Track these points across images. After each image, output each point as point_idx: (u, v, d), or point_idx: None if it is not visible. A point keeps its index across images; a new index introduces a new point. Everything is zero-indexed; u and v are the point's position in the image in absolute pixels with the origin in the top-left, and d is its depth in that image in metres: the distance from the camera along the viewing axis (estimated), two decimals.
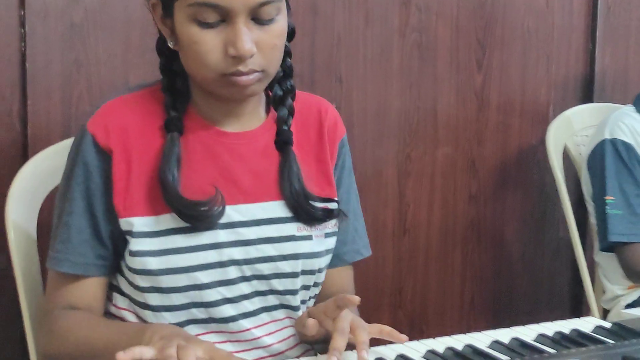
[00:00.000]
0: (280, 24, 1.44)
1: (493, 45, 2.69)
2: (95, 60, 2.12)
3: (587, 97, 2.87)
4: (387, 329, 1.37)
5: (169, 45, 1.48)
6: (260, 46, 1.41)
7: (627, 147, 2.35)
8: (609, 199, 2.33)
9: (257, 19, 1.41)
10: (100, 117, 1.48)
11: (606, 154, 2.36)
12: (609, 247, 2.37)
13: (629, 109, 2.46)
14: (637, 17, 2.88)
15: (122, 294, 1.54)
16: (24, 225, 1.71)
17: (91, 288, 1.51)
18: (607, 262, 2.45)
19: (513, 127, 2.76)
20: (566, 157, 2.60)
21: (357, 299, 1.35)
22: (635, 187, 2.34)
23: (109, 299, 1.56)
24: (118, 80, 2.14)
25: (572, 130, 2.61)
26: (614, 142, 2.36)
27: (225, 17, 1.40)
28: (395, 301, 2.63)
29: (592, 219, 2.47)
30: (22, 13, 2.03)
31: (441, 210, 2.67)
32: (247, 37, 1.39)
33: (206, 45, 1.40)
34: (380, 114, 2.54)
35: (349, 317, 1.38)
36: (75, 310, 1.50)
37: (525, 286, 2.84)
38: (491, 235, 2.78)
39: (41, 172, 1.75)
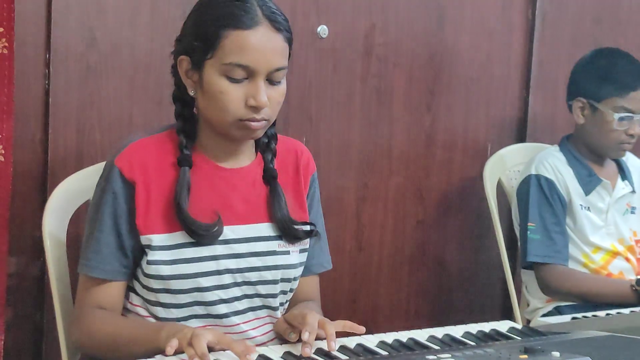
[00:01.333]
0: (284, 86, 1.85)
1: (441, 91, 3.04)
2: (106, 97, 2.45)
3: (520, 137, 3.22)
4: (349, 323, 1.77)
5: (190, 93, 1.87)
6: (270, 101, 1.81)
7: (549, 182, 2.75)
8: (530, 225, 2.73)
9: (270, 80, 1.81)
10: (126, 155, 1.86)
11: (531, 187, 2.75)
12: (529, 266, 2.77)
13: (554, 149, 2.86)
14: (564, 70, 3.24)
15: (137, 294, 1.91)
16: (57, 235, 2.08)
17: (115, 290, 1.89)
18: (530, 279, 2.83)
19: (456, 162, 3.11)
20: (500, 189, 2.99)
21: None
22: (553, 217, 2.73)
23: (125, 297, 1.94)
24: (124, 114, 2.49)
25: (506, 166, 2.99)
26: (538, 177, 2.77)
27: (249, 76, 1.79)
28: (350, 310, 2.95)
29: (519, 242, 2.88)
30: (48, 56, 2.36)
31: (392, 232, 3.01)
32: (264, 92, 1.79)
33: (231, 96, 1.80)
34: (343, 148, 2.87)
35: (317, 316, 1.77)
36: (102, 310, 1.87)
37: (463, 299, 3.18)
38: (434, 255, 3.12)
39: (72, 191, 2.13)
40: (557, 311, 2.73)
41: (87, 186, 2.09)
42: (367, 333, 1.77)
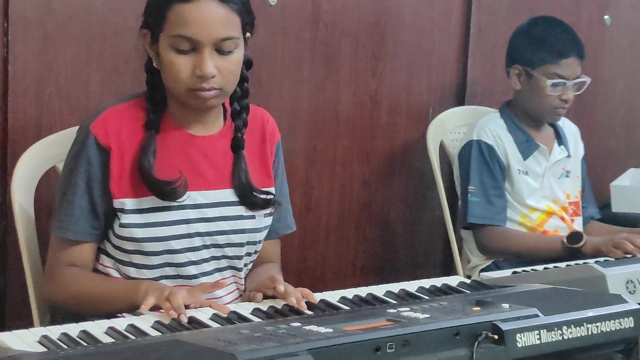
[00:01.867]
0: (237, 55, 1.93)
1: (385, 57, 3.16)
2: (63, 65, 2.51)
3: (459, 101, 3.36)
4: (306, 291, 1.86)
5: (154, 65, 1.95)
6: (220, 70, 1.90)
7: (489, 148, 2.90)
8: (470, 188, 2.87)
9: (219, 50, 1.90)
10: (101, 121, 1.94)
11: (472, 152, 2.89)
12: (469, 226, 2.92)
13: (495, 115, 2.99)
14: (502, 37, 3.37)
15: (108, 255, 2.01)
16: (25, 202, 2.16)
17: (86, 251, 1.98)
18: (470, 238, 2.98)
19: (399, 125, 3.24)
20: (441, 150, 3.14)
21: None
22: (493, 181, 2.88)
23: (96, 259, 2.03)
24: (82, 81, 2.55)
25: (447, 129, 3.14)
26: (479, 142, 2.90)
27: (195, 47, 1.88)
28: (300, 267, 3.07)
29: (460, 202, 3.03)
30: (6, 25, 2.41)
31: (340, 193, 3.13)
32: (210, 62, 1.88)
33: (179, 66, 1.89)
34: (293, 113, 2.97)
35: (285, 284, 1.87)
36: (76, 267, 1.97)
37: (407, 256, 3.33)
38: (380, 214, 3.25)
39: (36, 159, 2.21)
40: (496, 266, 2.88)
41: (52, 154, 2.19)
42: (315, 292, 1.88)
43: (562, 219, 2.98)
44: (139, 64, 2.56)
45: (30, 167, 2.19)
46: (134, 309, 1.85)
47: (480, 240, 2.90)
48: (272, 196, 2.08)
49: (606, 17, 3.76)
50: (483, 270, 2.88)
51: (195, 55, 1.90)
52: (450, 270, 3.38)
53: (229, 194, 2.03)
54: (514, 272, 2.44)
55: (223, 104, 2.06)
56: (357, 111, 3.14)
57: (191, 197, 1.97)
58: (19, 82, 2.46)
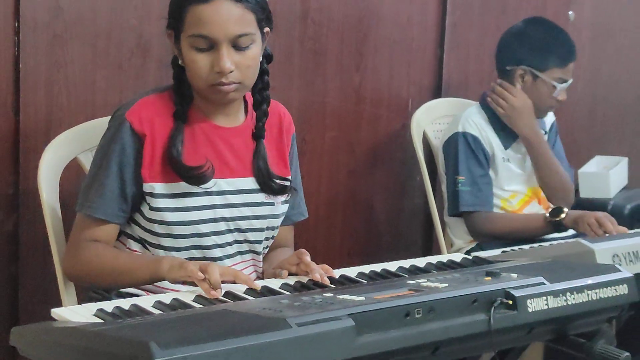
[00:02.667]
0: (253, 50, 2.06)
1: (368, 52, 3.30)
2: (71, 63, 2.61)
3: (437, 93, 3.51)
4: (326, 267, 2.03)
5: (179, 62, 2.08)
6: (238, 65, 2.03)
7: (475, 138, 3.05)
8: (460, 178, 3.03)
9: (236, 46, 2.03)
10: (136, 110, 2.06)
11: (459, 143, 3.04)
12: (457, 214, 3.07)
13: (476, 107, 3.15)
14: (475, 35, 3.55)
15: (135, 239, 2.13)
16: (51, 190, 2.27)
17: (111, 231, 2.10)
18: (454, 223, 3.15)
19: (382, 117, 3.38)
20: (424, 140, 3.28)
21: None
22: (481, 169, 3.04)
23: (123, 243, 2.15)
24: (88, 78, 2.65)
25: (429, 120, 3.30)
26: (465, 134, 3.06)
27: (213, 45, 2.01)
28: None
29: (444, 189, 3.18)
30: (17, 24, 2.51)
31: (327, 182, 3.26)
32: (227, 58, 2.01)
33: (199, 64, 2.02)
34: (283, 106, 3.13)
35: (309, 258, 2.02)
36: (97, 242, 2.08)
37: (390, 242, 3.47)
38: (364, 202, 3.39)
39: (60, 151, 2.33)
40: (480, 248, 3.05)
41: (74, 146, 2.33)
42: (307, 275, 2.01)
43: (539, 201, 3.16)
44: (142, 61, 2.73)
45: (54, 158, 2.30)
46: (155, 282, 1.99)
47: (472, 226, 3.05)
48: (288, 182, 2.22)
49: (570, 12, 3.95)
50: (468, 252, 3.05)
51: (214, 53, 2.02)
52: (430, 253, 3.54)
53: (250, 182, 2.16)
54: (504, 252, 2.61)
55: (244, 98, 2.18)
56: (343, 104, 3.28)
57: (217, 184, 2.10)
58: (30, 80, 2.56)
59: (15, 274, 2.63)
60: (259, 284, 1.88)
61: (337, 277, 2.00)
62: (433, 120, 3.31)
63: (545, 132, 3.23)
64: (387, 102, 3.41)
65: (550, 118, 3.31)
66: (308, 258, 1.99)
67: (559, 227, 2.93)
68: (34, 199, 2.52)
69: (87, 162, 2.35)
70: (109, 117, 2.34)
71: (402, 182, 3.50)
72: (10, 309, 2.63)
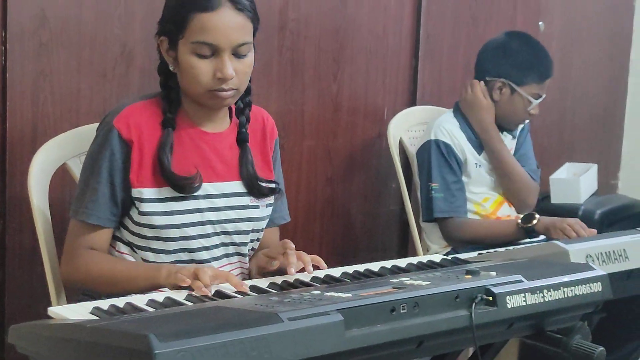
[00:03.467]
0: (250, 58, 2.14)
1: (344, 61, 3.37)
2: (57, 71, 2.66)
3: (411, 101, 3.59)
4: (317, 258, 2.11)
5: (170, 68, 2.14)
6: (236, 72, 2.10)
7: (447, 146, 3.12)
8: (434, 185, 3.10)
9: (236, 54, 2.10)
10: (124, 117, 2.12)
11: (432, 151, 3.11)
12: (432, 219, 3.14)
13: (449, 115, 3.22)
14: (448, 44, 3.62)
15: (124, 242, 2.18)
16: (40, 196, 2.31)
17: (105, 235, 2.15)
18: (430, 228, 3.22)
19: (358, 125, 3.45)
20: (400, 147, 3.35)
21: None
22: (453, 176, 3.11)
23: (112, 247, 2.20)
24: (73, 86, 2.69)
25: (404, 127, 3.37)
26: (437, 142, 3.13)
27: (215, 52, 2.08)
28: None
29: (420, 195, 3.24)
30: (4, 34, 2.55)
31: (306, 189, 3.32)
32: (230, 65, 2.08)
33: (200, 70, 2.08)
34: None
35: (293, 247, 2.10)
36: (96, 250, 2.14)
37: (367, 247, 3.53)
38: (342, 209, 3.46)
39: (49, 157, 2.38)
40: (455, 252, 3.12)
41: (62, 152, 2.39)
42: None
43: (510, 204, 3.25)
44: (125, 70, 2.78)
45: (44, 163, 2.35)
46: (153, 290, 2.03)
47: (446, 232, 3.13)
48: (276, 185, 2.29)
49: (540, 23, 4.06)
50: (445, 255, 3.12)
51: (215, 60, 2.09)
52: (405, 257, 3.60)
53: (236, 186, 2.23)
54: (480, 254, 2.68)
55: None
56: (320, 112, 3.35)
57: (203, 188, 2.16)
58: (16, 88, 2.60)
59: (2, 279, 2.66)
60: (246, 285, 1.94)
61: (322, 276, 2.06)
62: (409, 128, 3.39)
63: (514, 137, 3.31)
64: (364, 110, 3.48)
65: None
66: (292, 246, 2.07)
67: (531, 233, 3.00)
68: (21, 206, 2.58)
69: (75, 168, 2.41)
70: (95, 124, 2.40)
71: (378, 189, 3.57)
72: None
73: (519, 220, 3.03)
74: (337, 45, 3.36)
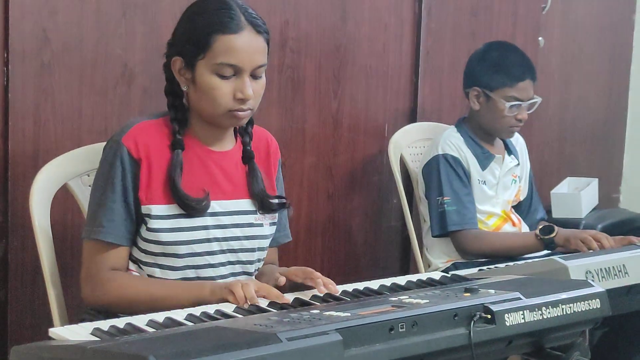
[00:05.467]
0: (264, 79, 2.18)
1: (345, 79, 3.39)
2: (58, 92, 2.67)
3: (412, 118, 3.61)
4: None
5: (183, 88, 2.16)
6: (253, 93, 2.14)
7: (455, 159, 3.13)
8: (446, 199, 3.09)
9: (253, 75, 2.14)
10: (132, 135, 2.14)
11: (440, 165, 3.12)
12: (442, 234, 3.13)
13: (452, 130, 3.23)
14: (448, 61, 3.64)
15: (131, 260, 2.20)
16: (42, 215, 2.33)
17: (124, 254, 2.17)
18: (432, 244, 3.22)
19: (359, 142, 3.47)
20: (401, 164, 3.37)
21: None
22: (464, 188, 3.12)
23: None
24: (74, 106, 2.71)
25: (405, 144, 3.39)
26: (445, 156, 3.14)
27: (236, 73, 2.11)
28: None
29: (424, 211, 3.24)
30: (6, 55, 2.57)
31: (307, 206, 3.34)
32: (250, 87, 2.10)
33: (221, 90, 2.11)
34: None
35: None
36: (120, 271, 2.14)
37: (368, 263, 3.54)
38: (343, 226, 3.47)
39: (51, 177, 2.39)
40: (455, 267, 3.13)
41: (63, 172, 2.40)
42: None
43: (512, 222, 3.26)
44: (127, 89, 2.80)
45: (46, 183, 2.37)
46: (196, 306, 2.03)
47: (462, 244, 3.11)
48: (284, 200, 2.31)
49: (540, 39, 4.08)
50: (444, 271, 3.12)
51: (236, 80, 2.12)
52: (407, 274, 3.59)
53: (241, 204, 2.26)
54: (480, 270, 2.69)
55: None
56: (321, 130, 3.37)
57: (210, 206, 2.19)
58: (18, 108, 2.62)
59: (5, 300, 2.67)
60: (289, 299, 1.99)
61: (322, 294, 2.08)
62: (409, 144, 3.40)
63: (518, 162, 3.31)
64: (364, 127, 3.49)
65: (518, 138, 3.39)
66: (317, 275, 2.11)
67: (550, 245, 2.98)
68: (23, 225, 2.60)
69: (76, 188, 2.43)
70: (98, 144, 2.42)
71: (379, 205, 3.58)
72: None
73: (538, 232, 3.01)
74: (338, 63, 3.38)
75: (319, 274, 2.13)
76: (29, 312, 2.69)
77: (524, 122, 3.19)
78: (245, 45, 2.10)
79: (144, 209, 2.14)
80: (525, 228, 3.32)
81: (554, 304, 1.97)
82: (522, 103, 3.14)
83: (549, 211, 3.77)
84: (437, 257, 3.23)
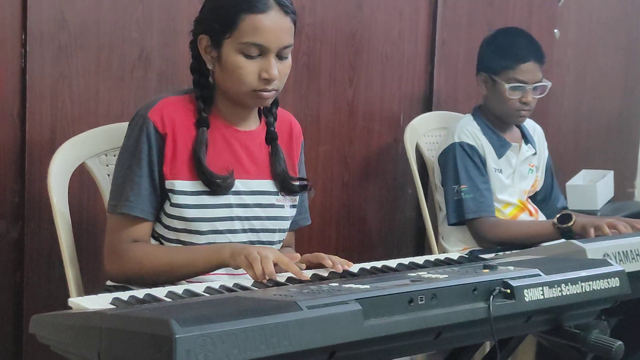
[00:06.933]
0: (290, 60, 2.18)
1: (360, 66, 3.39)
2: (75, 74, 2.68)
3: (427, 107, 3.61)
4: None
5: (208, 67, 2.16)
6: (279, 73, 2.14)
7: (471, 147, 3.12)
8: (462, 187, 3.07)
9: (279, 55, 2.13)
10: (158, 110, 2.15)
11: (457, 153, 3.11)
12: (459, 222, 3.11)
13: (469, 118, 3.22)
14: (464, 49, 3.64)
15: (153, 236, 2.20)
16: (60, 195, 2.33)
17: (147, 228, 2.17)
18: (448, 232, 3.21)
19: (374, 130, 3.46)
20: (417, 152, 3.36)
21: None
22: (481, 176, 3.11)
23: None
24: (91, 89, 2.71)
25: (421, 132, 3.38)
26: (461, 144, 3.12)
27: (262, 53, 2.10)
28: None
29: (440, 199, 3.23)
30: (24, 37, 2.57)
31: (322, 195, 3.33)
32: (275, 67, 2.10)
33: (247, 70, 2.11)
34: None
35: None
36: (141, 242, 2.14)
37: (383, 253, 3.52)
38: (357, 215, 3.46)
39: (68, 157, 2.40)
40: (472, 255, 3.11)
41: (80, 152, 2.41)
42: None
43: (529, 212, 3.24)
44: (143, 73, 2.81)
45: (64, 163, 2.37)
46: (216, 269, 2.07)
47: (479, 232, 3.09)
48: (307, 182, 2.31)
49: (555, 30, 4.07)
50: None
51: (262, 60, 2.12)
52: None
53: (264, 184, 2.26)
54: (497, 255, 2.68)
55: None
56: (336, 118, 3.36)
57: (234, 184, 2.19)
58: (36, 90, 2.62)
59: (20, 281, 2.68)
60: (307, 275, 1.99)
61: (340, 271, 2.08)
62: (425, 133, 3.39)
63: (535, 151, 3.30)
64: (380, 115, 3.49)
65: (535, 127, 3.38)
66: (329, 262, 2.10)
67: (568, 233, 2.95)
68: (39, 207, 2.60)
69: (94, 167, 2.43)
70: (117, 124, 2.43)
71: (394, 194, 3.57)
72: (15, 317, 2.68)
73: (556, 221, 2.98)
74: (353, 50, 3.38)
75: (332, 255, 2.11)
76: (45, 295, 2.69)
77: (532, 106, 3.15)
78: (272, 25, 2.10)
79: (168, 183, 2.14)
80: (542, 218, 3.30)
81: (574, 281, 1.96)
82: (525, 85, 3.12)
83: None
84: (453, 245, 3.22)
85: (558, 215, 3.00)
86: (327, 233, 3.39)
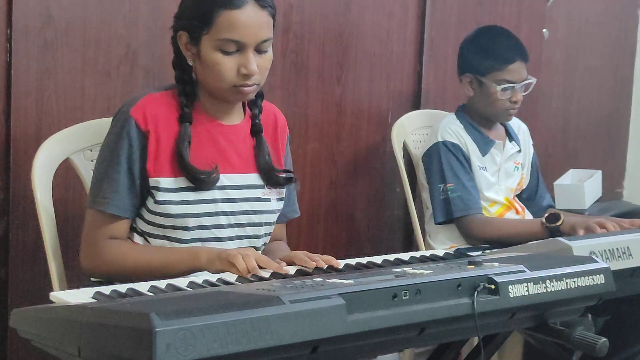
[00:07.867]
0: (270, 54, 2.16)
1: (349, 65, 3.38)
2: (61, 70, 2.66)
3: (415, 106, 3.60)
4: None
5: (189, 63, 2.15)
6: (258, 67, 2.12)
7: (455, 146, 3.13)
8: (449, 185, 3.08)
9: (258, 50, 2.12)
10: (140, 107, 2.14)
11: (441, 152, 3.11)
12: (446, 221, 3.11)
13: (452, 117, 3.23)
14: (452, 47, 3.63)
15: (138, 232, 2.19)
16: (44, 190, 2.32)
17: (124, 226, 2.16)
18: (435, 231, 3.21)
19: (362, 129, 3.46)
20: (404, 150, 3.36)
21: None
22: (467, 174, 3.11)
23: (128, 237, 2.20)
24: (77, 85, 2.70)
25: (408, 130, 3.37)
26: (445, 143, 3.13)
27: (240, 48, 2.09)
28: None
29: (426, 198, 3.22)
30: (9, 32, 2.56)
31: (310, 193, 3.32)
32: (254, 62, 2.09)
33: (225, 66, 2.10)
34: None
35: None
36: (122, 240, 2.13)
37: (371, 251, 3.50)
38: (346, 213, 3.46)
39: (52, 152, 2.39)
40: (458, 252, 3.10)
41: (65, 147, 2.39)
42: None
43: (516, 210, 3.24)
44: (130, 69, 2.79)
45: (48, 158, 2.36)
46: (193, 273, 2.04)
47: (468, 230, 3.09)
48: (292, 174, 2.30)
49: (544, 30, 4.07)
50: None
51: (240, 56, 2.11)
52: None
53: (250, 178, 2.25)
54: (483, 252, 2.68)
55: None
56: (324, 116, 3.35)
57: (219, 179, 2.18)
58: (21, 86, 2.61)
59: (5, 277, 2.66)
60: (291, 270, 1.99)
61: (324, 267, 2.07)
62: (413, 131, 3.39)
63: (519, 149, 3.30)
64: (368, 113, 3.48)
65: (520, 125, 3.38)
66: (313, 264, 2.08)
67: (556, 232, 2.94)
68: (24, 203, 2.59)
69: (79, 162, 2.42)
70: (101, 119, 2.42)
71: (382, 193, 3.57)
72: None
73: (544, 220, 2.98)
74: (341, 49, 3.37)
75: (317, 254, 2.10)
76: (30, 290, 2.67)
77: (520, 103, 3.16)
78: (248, 20, 2.09)
79: (152, 181, 2.13)
80: (529, 216, 3.30)
81: (558, 278, 1.95)
82: (514, 85, 3.12)
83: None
84: (440, 244, 3.21)
85: (546, 215, 3.00)
86: (315, 231, 3.39)
